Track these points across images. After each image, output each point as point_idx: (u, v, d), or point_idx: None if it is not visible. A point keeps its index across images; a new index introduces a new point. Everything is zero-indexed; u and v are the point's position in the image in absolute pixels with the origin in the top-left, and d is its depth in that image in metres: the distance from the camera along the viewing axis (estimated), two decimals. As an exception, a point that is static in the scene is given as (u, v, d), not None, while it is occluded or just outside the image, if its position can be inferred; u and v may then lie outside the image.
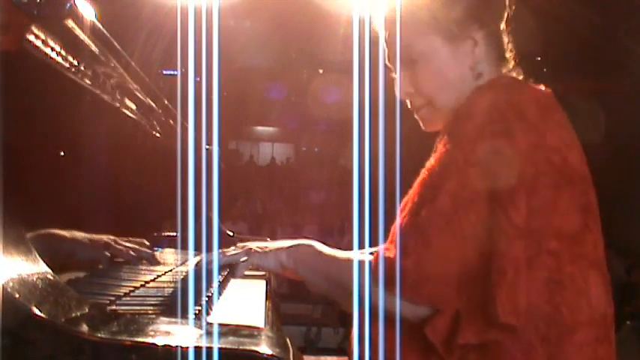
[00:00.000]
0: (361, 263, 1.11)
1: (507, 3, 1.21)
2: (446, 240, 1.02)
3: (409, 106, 1.23)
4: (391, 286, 1.03)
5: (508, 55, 1.22)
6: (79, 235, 1.23)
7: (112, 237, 1.44)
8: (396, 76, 1.22)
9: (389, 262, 1.05)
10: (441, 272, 1.03)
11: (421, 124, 1.24)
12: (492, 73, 1.19)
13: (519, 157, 1.02)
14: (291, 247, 1.23)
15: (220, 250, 1.31)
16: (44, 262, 0.78)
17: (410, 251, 1.03)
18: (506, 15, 1.21)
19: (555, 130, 1.07)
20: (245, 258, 1.27)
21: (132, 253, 1.50)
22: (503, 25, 1.21)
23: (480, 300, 0.99)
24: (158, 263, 1.61)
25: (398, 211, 1.14)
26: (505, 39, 1.21)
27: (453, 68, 1.17)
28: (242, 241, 1.72)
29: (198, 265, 1.28)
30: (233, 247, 1.33)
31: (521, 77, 1.21)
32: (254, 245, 1.29)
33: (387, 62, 1.23)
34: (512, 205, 1.00)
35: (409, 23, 1.17)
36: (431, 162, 1.13)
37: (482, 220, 1.01)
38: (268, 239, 1.61)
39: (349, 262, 1.14)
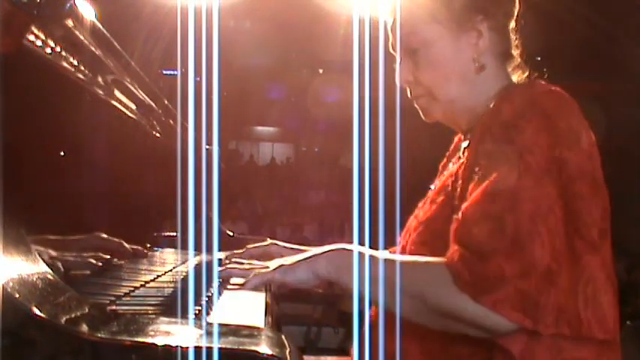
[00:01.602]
0: (435, 265, 1.00)
1: (517, 1, 1.19)
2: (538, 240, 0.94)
3: (409, 95, 1.22)
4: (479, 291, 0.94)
5: (515, 52, 1.20)
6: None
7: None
8: (397, 63, 1.21)
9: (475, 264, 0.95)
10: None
11: (420, 114, 1.23)
12: (496, 67, 1.17)
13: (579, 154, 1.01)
14: (326, 252, 1.08)
15: (250, 268, 1.20)
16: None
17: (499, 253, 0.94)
18: (515, 12, 1.19)
19: (587, 132, 1.06)
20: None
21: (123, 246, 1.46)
22: (512, 23, 1.19)
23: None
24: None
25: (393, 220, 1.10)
26: (513, 36, 1.19)
27: (455, 59, 1.15)
28: (242, 241, 1.72)
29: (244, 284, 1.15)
30: (264, 263, 1.21)
31: (526, 74, 1.19)
32: (288, 262, 1.12)
33: (390, 50, 1.22)
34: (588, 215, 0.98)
35: (413, 11, 1.16)
36: (458, 164, 1.14)
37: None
38: (268, 239, 1.61)
39: (417, 264, 1.03)
